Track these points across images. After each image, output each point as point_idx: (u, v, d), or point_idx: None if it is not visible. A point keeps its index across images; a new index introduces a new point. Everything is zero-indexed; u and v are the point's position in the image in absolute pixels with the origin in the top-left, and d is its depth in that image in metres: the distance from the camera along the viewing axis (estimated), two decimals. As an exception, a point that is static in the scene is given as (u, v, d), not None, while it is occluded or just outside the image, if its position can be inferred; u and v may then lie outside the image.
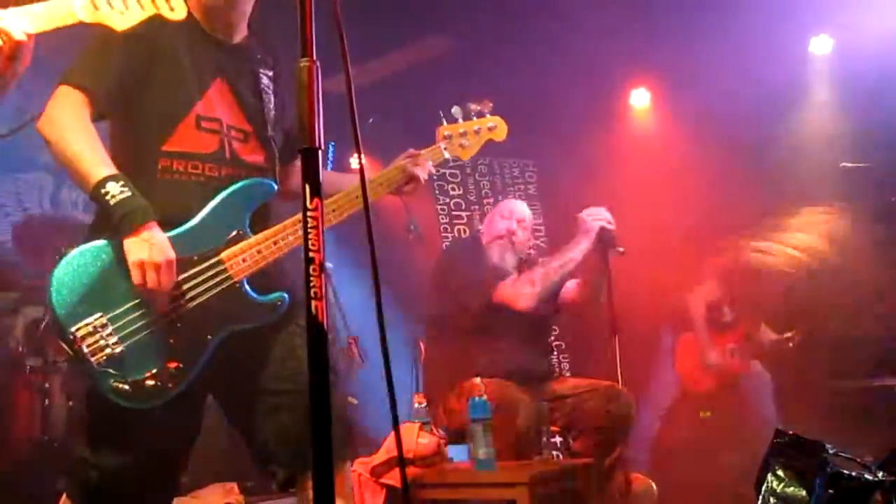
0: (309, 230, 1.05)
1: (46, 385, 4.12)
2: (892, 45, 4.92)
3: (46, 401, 4.10)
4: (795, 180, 5.24)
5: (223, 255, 2.00)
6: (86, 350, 1.85)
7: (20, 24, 1.54)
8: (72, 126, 1.92)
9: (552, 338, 3.71)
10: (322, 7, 1.38)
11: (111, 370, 1.87)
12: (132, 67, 2.00)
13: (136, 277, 1.87)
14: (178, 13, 1.78)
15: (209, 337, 1.97)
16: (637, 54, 5.53)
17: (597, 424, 3.26)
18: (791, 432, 2.11)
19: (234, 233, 2.03)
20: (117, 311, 1.89)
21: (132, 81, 2.01)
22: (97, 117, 1.99)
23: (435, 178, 5.83)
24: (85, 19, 1.65)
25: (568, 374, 5.06)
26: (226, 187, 2.06)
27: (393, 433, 3.00)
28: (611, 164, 5.97)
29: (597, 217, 3.42)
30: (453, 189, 5.88)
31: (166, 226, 1.94)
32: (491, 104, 2.57)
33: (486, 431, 2.78)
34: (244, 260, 2.01)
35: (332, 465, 1.14)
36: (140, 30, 1.66)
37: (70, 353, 1.87)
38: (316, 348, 1.06)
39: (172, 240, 1.93)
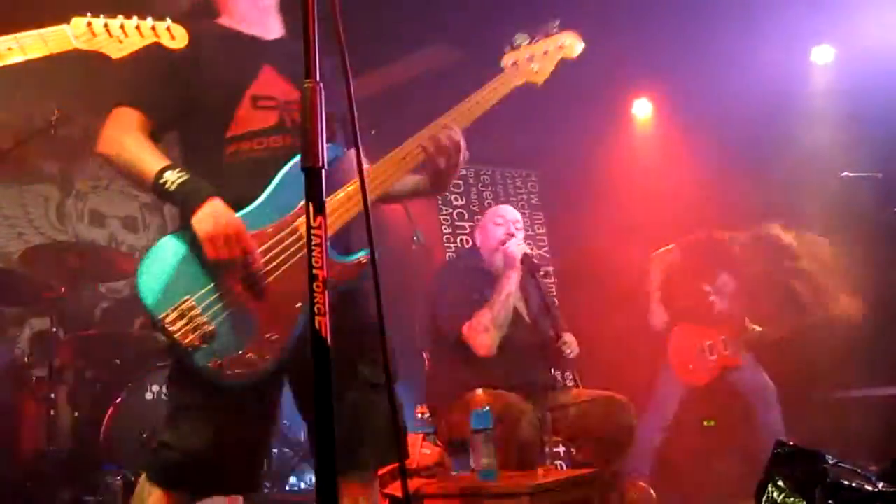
0: (313, 247, 1.07)
1: (52, 395, 4.13)
2: (893, 54, 4.94)
3: (52, 411, 4.11)
4: (797, 190, 5.26)
5: (297, 222, 2.02)
6: (177, 334, 1.88)
7: None
8: (123, 138, 2.04)
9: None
10: (325, 15, 1.41)
11: (205, 349, 1.90)
12: (181, 78, 2.09)
13: (208, 251, 1.91)
14: (180, 42, 1.84)
15: (298, 305, 1.98)
16: (639, 64, 5.55)
17: (599, 434, 3.28)
18: (791, 443, 2.12)
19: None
20: (202, 292, 1.93)
21: (185, 91, 2.11)
22: (160, 129, 2.12)
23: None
24: (80, 47, 1.70)
25: (571, 384, 5.06)
26: (294, 155, 2.09)
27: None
28: (613, 173, 6.00)
29: (516, 245, 3.57)
30: (456, 199, 5.91)
31: (242, 204, 2.00)
32: (558, 21, 2.40)
33: (488, 442, 2.79)
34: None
35: (335, 479, 1.15)
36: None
37: (166, 338, 1.90)
38: (320, 363, 1.08)
39: (244, 217, 1.98)
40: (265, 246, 1.99)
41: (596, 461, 3.23)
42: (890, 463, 2.18)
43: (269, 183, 2.06)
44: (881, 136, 4.89)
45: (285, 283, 1.98)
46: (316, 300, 1.07)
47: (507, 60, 2.37)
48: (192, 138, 2.16)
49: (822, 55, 5.65)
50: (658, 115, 6.24)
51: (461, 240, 5.79)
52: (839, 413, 4.85)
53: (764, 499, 1.99)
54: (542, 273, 3.66)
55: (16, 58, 1.63)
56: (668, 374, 4.84)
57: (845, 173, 4.38)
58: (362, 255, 2.08)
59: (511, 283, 3.48)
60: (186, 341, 1.88)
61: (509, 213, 3.83)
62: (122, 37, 1.75)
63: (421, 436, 2.99)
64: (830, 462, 1.97)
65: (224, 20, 2.24)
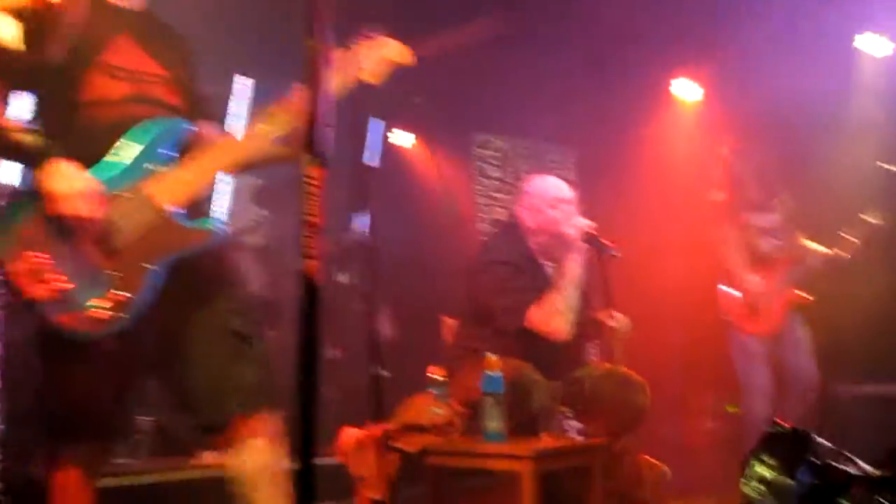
0: (309, 198, 1.14)
1: None
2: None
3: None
4: (839, 180, 5.20)
5: (149, 187, 2.15)
6: (32, 286, 1.97)
7: None
8: None
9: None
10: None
11: (60, 304, 1.99)
12: (39, 39, 2.13)
13: (62, 208, 1.99)
14: None
15: (148, 266, 2.10)
16: (682, 46, 5.52)
17: (609, 409, 3.32)
18: (786, 424, 2.16)
19: (158, 166, 2.19)
20: (58, 248, 2.03)
21: (40, 52, 2.14)
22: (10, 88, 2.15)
23: (476, 158, 5.91)
24: None
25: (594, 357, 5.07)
26: (145, 125, 2.21)
27: (408, 401, 3.13)
28: (652, 153, 5.98)
29: (575, 225, 3.46)
30: (493, 171, 5.95)
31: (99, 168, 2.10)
32: (383, 28, 2.50)
33: (498, 405, 2.86)
34: (170, 190, 2.16)
35: (314, 430, 1.21)
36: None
37: (15, 291, 1.99)
38: (309, 307, 1.15)
39: (102, 181, 2.09)
40: (120, 209, 2.09)
41: (605, 435, 3.28)
42: (892, 451, 2.19)
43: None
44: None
45: (138, 245, 2.10)
46: (308, 244, 1.14)
47: (339, 58, 2.44)
48: (49, 100, 2.20)
49: (874, 44, 5.54)
50: (700, 97, 6.18)
51: (496, 212, 5.84)
52: (856, 408, 4.81)
53: (749, 472, 2.04)
54: (613, 254, 3.47)
55: None
56: (741, 340, 4.65)
57: (884, 165, 4.32)
58: (208, 223, 2.23)
59: (576, 265, 3.42)
60: (40, 295, 1.97)
61: (563, 191, 3.65)
62: None
63: (432, 395, 3.08)
64: (818, 443, 2.01)
65: None
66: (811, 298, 4.62)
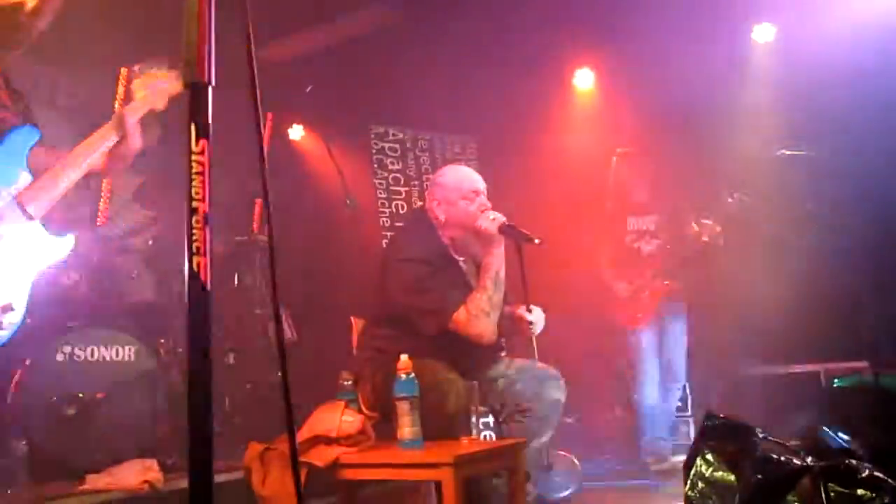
0: (193, 176, 0.92)
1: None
2: (834, 35, 4.95)
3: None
4: (733, 165, 5.28)
5: (18, 196, 2.09)
6: None
7: None
8: None
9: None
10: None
11: None
12: None
13: None
14: None
15: (28, 276, 2.08)
16: (582, 35, 5.49)
17: (527, 406, 3.19)
18: (722, 415, 2.06)
19: (20, 173, 2.13)
20: None
21: None
22: None
23: (374, 151, 5.70)
24: None
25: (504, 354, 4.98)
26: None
27: (317, 410, 2.91)
28: (554, 142, 5.93)
29: (489, 219, 3.23)
30: (392, 164, 5.76)
31: None
32: (167, 59, 2.56)
33: (412, 410, 2.68)
34: (37, 199, 2.11)
35: (211, 443, 1.02)
36: None
37: None
38: (198, 310, 0.93)
39: None
40: None
41: (524, 433, 3.14)
42: (810, 436, 2.16)
43: None
44: (819, 115, 4.91)
45: (16, 255, 2.06)
46: (195, 238, 0.92)
47: (138, 86, 2.49)
48: None
49: (764, 33, 5.64)
50: (599, 86, 6.17)
51: (396, 205, 5.67)
52: (756, 389, 4.95)
53: (693, 472, 1.93)
54: (538, 242, 3.19)
55: None
56: (628, 335, 4.90)
57: (782, 151, 4.40)
58: (67, 238, 2.22)
59: (497, 260, 3.18)
60: None
61: (478, 183, 3.39)
62: None
63: (342, 403, 2.87)
64: (760, 436, 1.92)
65: None
66: (675, 286, 4.84)
